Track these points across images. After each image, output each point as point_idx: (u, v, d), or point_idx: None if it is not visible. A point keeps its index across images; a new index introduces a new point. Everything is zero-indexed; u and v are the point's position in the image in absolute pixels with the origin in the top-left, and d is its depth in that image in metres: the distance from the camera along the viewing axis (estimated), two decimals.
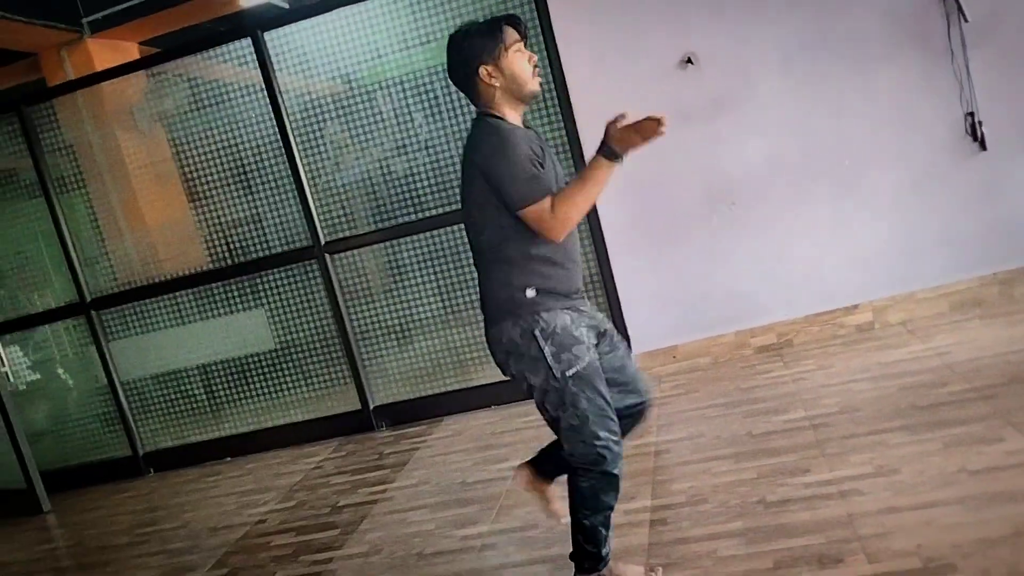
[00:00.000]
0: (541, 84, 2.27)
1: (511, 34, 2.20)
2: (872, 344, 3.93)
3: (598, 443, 2.20)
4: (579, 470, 2.26)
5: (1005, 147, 3.90)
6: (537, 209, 2.09)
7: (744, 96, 4.04)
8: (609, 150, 2.05)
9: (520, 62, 2.20)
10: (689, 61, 4.01)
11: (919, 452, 2.76)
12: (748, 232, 4.15)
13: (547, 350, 2.17)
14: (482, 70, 2.19)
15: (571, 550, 2.37)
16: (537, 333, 2.18)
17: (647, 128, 1.99)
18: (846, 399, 3.37)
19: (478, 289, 2.31)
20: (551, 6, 4.04)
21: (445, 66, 2.27)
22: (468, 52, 2.20)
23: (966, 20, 3.80)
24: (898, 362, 3.62)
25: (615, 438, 2.23)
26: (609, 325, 2.39)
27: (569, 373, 2.17)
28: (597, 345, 2.29)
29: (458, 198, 4.37)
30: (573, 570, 2.37)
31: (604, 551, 2.32)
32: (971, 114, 3.89)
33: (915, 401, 3.17)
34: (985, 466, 2.57)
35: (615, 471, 2.24)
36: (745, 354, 4.25)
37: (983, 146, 3.90)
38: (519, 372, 2.24)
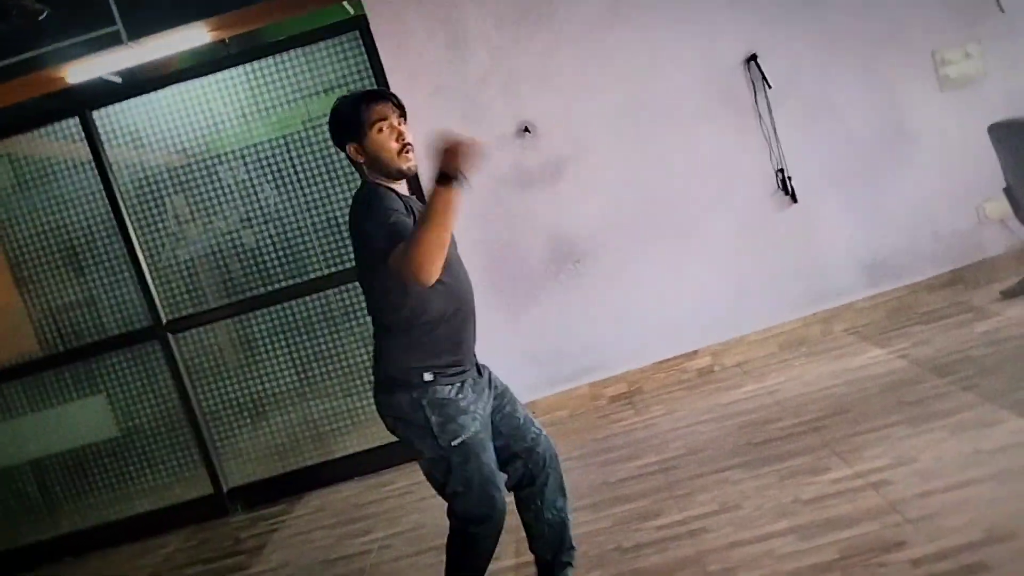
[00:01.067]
0: (410, 162, 2.23)
1: (376, 111, 2.19)
2: (713, 387, 4.17)
3: (483, 505, 2.27)
4: (466, 523, 2.30)
5: (813, 197, 4.29)
6: (396, 254, 2.04)
7: (579, 159, 4.26)
8: (440, 175, 1.98)
9: (385, 141, 2.19)
10: (526, 130, 4.20)
11: (757, 487, 2.95)
12: (594, 287, 4.34)
13: (433, 420, 2.21)
14: (348, 148, 2.24)
15: None
16: (424, 403, 2.21)
17: (464, 145, 1.97)
18: (691, 441, 3.55)
19: (372, 350, 2.32)
20: (389, 79, 4.14)
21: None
22: (334, 128, 2.26)
23: (769, 87, 4.19)
24: (736, 402, 3.85)
25: (499, 497, 2.30)
26: (499, 380, 2.44)
27: (454, 443, 2.22)
28: (498, 405, 2.38)
29: (303, 268, 4.38)
30: None
31: None
32: (781, 170, 4.26)
33: (751, 438, 3.38)
34: (816, 495, 2.77)
35: (496, 528, 2.32)
36: (599, 404, 4.39)
37: (794, 199, 4.27)
38: (406, 438, 2.29)
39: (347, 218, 2.28)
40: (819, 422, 3.34)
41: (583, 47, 4.21)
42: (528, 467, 2.43)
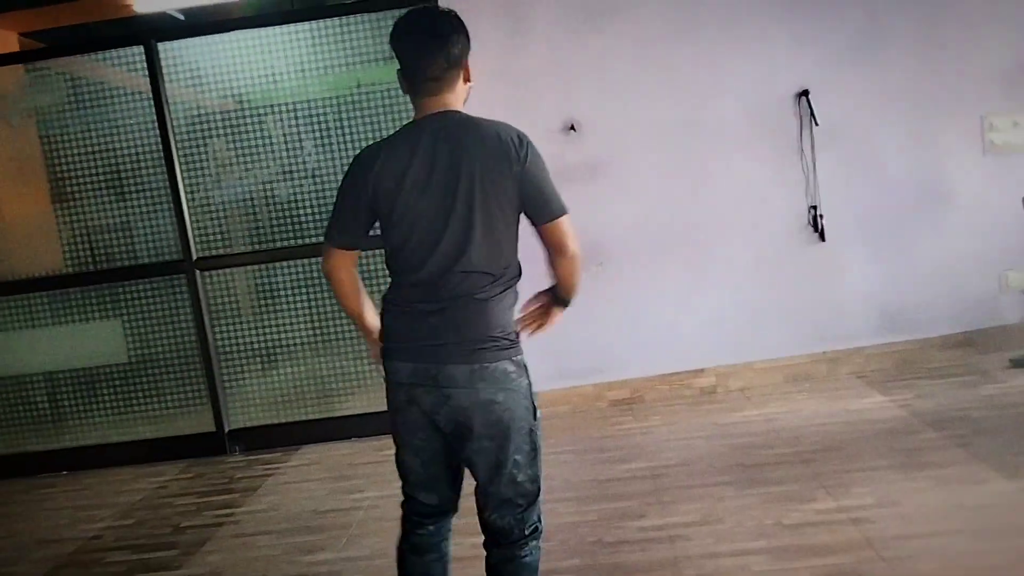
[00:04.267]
0: None
1: None
2: (713, 406, 4.24)
3: (541, 505, 2.07)
4: (533, 535, 2.05)
5: (841, 240, 4.34)
6: (569, 219, 1.98)
7: (618, 164, 4.34)
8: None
9: None
10: (572, 128, 4.28)
11: (742, 505, 3.02)
12: (613, 291, 4.41)
13: (529, 384, 2.00)
14: (467, 65, 2.00)
15: None
16: (524, 364, 1.99)
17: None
18: (684, 453, 3.63)
19: (462, 314, 1.95)
20: None
21: (446, 43, 1.93)
22: (468, 41, 1.98)
23: (816, 124, 4.24)
24: (733, 424, 3.93)
25: None
26: None
27: (540, 416, 2.04)
28: None
29: None
30: None
31: None
32: (814, 207, 4.33)
33: (743, 460, 3.46)
34: (797, 521, 2.85)
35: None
36: (600, 406, 4.48)
37: (822, 237, 4.33)
38: (505, 415, 1.94)
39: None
40: (811, 455, 3.41)
41: (641, 56, 4.29)
42: None
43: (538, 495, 2.05)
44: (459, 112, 1.97)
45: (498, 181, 1.91)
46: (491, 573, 2.09)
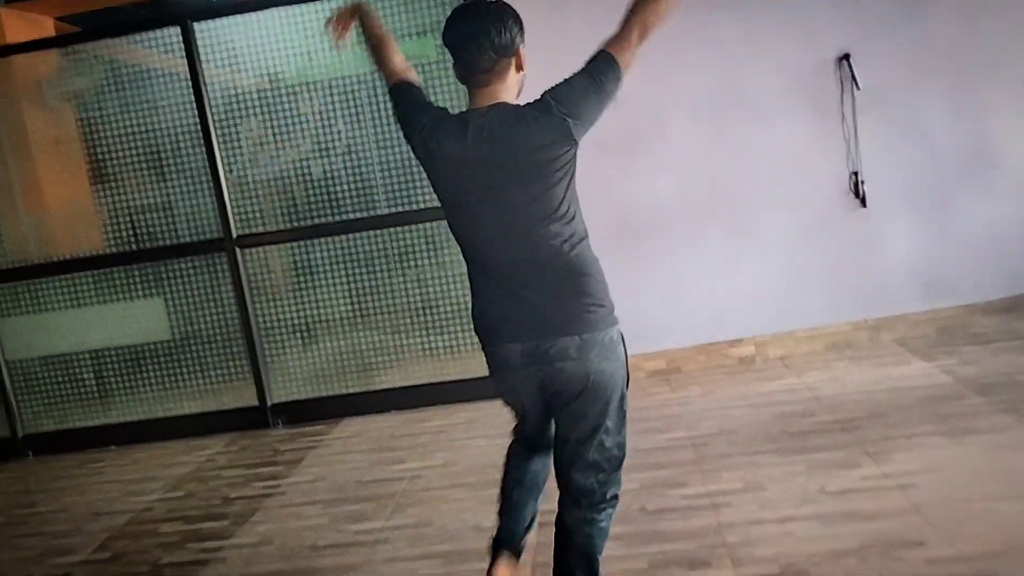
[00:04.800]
0: None
1: None
2: (752, 375, 4.22)
3: (623, 475, 2.12)
4: (611, 501, 2.11)
5: (883, 206, 4.28)
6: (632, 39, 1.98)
7: (656, 135, 4.30)
8: None
9: None
10: None
11: (785, 473, 3.02)
12: (651, 261, 4.40)
13: (625, 354, 2.03)
14: (522, 49, 1.97)
15: None
16: (622, 335, 2.03)
17: None
18: (724, 423, 3.62)
19: (562, 295, 1.98)
20: None
21: (494, 33, 1.90)
22: (521, 25, 1.96)
23: (858, 88, 4.17)
24: (773, 392, 3.91)
25: None
26: None
27: (629, 385, 2.07)
28: None
29: (371, 203, 4.50)
30: None
31: None
32: (855, 173, 4.26)
33: (785, 428, 3.45)
34: (842, 488, 2.84)
35: None
36: (637, 376, 4.45)
37: (863, 203, 4.27)
38: (608, 381, 1.98)
39: (508, 136, 1.91)
40: (854, 422, 3.39)
41: (679, 25, 4.13)
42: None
43: (622, 462, 2.09)
44: (505, 104, 1.95)
45: (547, 158, 1.90)
46: (566, 536, 2.12)
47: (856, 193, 4.27)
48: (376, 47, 2.22)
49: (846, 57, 4.16)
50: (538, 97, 1.94)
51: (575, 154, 1.95)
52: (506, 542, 2.23)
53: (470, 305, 2.12)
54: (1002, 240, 4.27)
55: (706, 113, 4.29)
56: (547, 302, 1.96)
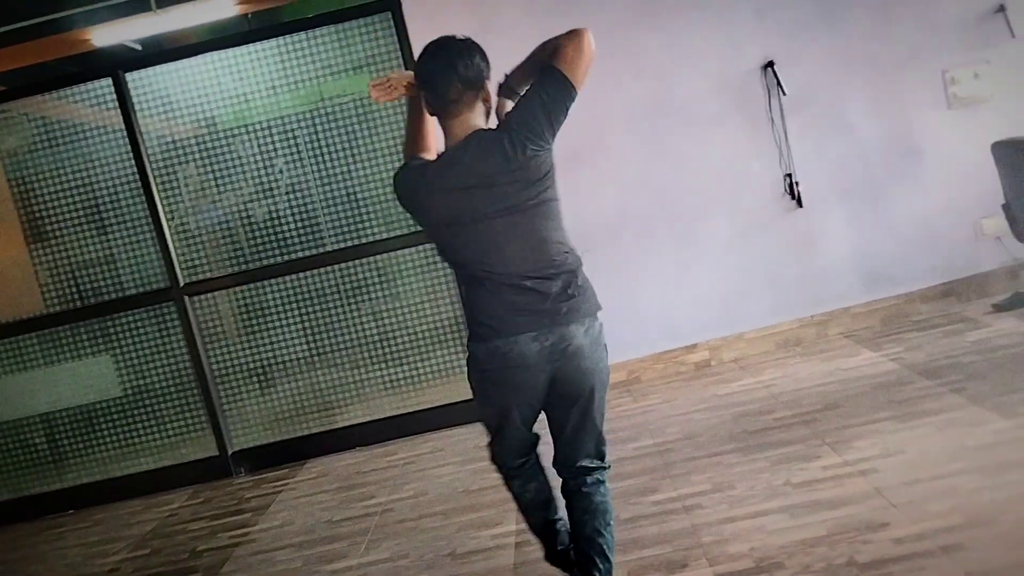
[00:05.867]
0: None
1: None
2: (709, 379, 4.31)
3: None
4: (609, 466, 2.38)
5: (818, 205, 4.43)
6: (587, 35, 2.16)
7: (597, 151, 4.39)
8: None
9: None
10: None
11: (750, 470, 3.09)
12: (602, 276, 4.33)
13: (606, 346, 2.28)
14: (488, 87, 2.17)
15: (604, 573, 2.30)
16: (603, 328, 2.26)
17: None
18: (688, 427, 3.69)
19: (572, 290, 2.19)
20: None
21: (459, 67, 2.09)
22: (485, 65, 2.15)
23: (784, 93, 4.32)
24: (732, 394, 3.99)
25: None
26: None
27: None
28: None
29: (319, 240, 4.49)
30: None
31: None
32: (789, 175, 4.41)
33: (746, 427, 3.52)
34: (805, 479, 2.92)
35: None
36: None
37: (800, 203, 4.41)
38: (601, 368, 2.24)
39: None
40: (811, 415, 3.48)
41: (608, 42, 4.24)
42: None
43: (602, 430, 2.34)
44: (482, 130, 2.14)
45: (529, 165, 2.10)
46: (584, 500, 2.31)
47: (792, 194, 4.41)
48: (420, 123, 2.31)
49: (770, 64, 4.31)
50: (504, 124, 2.15)
51: (552, 160, 2.15)
52: (557, 555, 2.47)
53: (464, 312, 2.32)
54: (933, 228, 4.44)
55: (643, 126, 4.40)
56: (561, 299, 2.15)
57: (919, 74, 4.37)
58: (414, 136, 2.33)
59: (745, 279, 4.49)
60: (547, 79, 2.12)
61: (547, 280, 2.15)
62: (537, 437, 2.38)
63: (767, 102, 4.38)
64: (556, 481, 2.42)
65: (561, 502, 2.41)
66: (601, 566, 2.27)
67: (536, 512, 2.46)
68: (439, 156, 2.19)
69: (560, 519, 2.46)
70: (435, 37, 2.18)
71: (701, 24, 4.34)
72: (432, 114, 2.19)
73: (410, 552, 3.08)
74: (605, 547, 2.28)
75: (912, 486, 2.68)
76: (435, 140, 2.31)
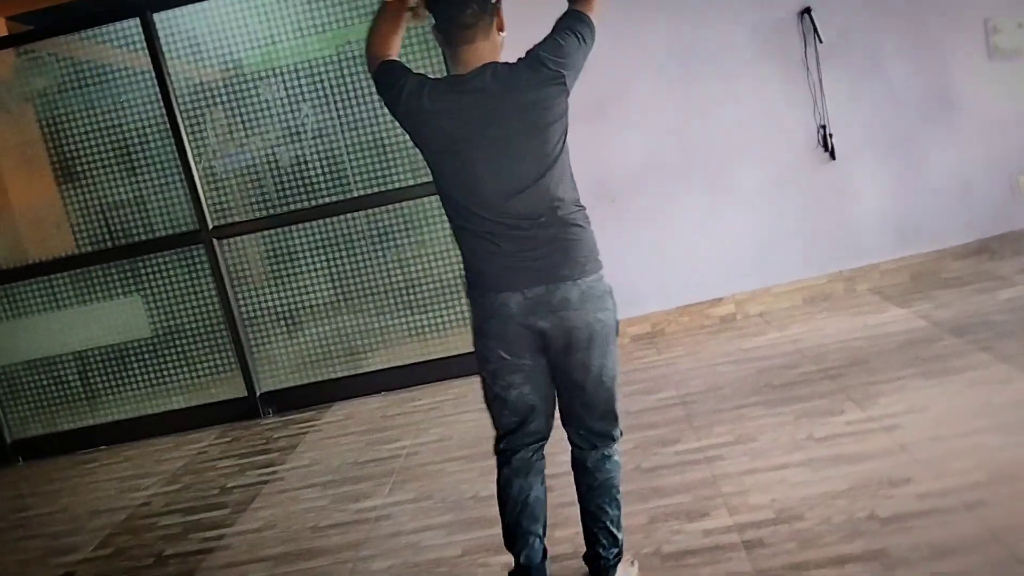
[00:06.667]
0: None
1: None
2: (734, 333, 4.30)
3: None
4: (618, 439, 2.24)
5: (852, 158, 4.35)
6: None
7: (624, 98, 4.32)
8: None
9: None
10: None
11: (773, 423, 3.10)
12: (627, 227, 4.44)
13: (615, 306, 2.13)
14: (500, 10, 2.04)
15: (610, 549, 2.24)
16: (612, 288, 2.12)
17: None
18: (711, 380, 3.69)
19: (560, 243, 2.04)
20: None
21: None
22: None
23: (821, 41, 4.22)
24: (757, 348, 3.99)
25: None
26: None
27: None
28: None
29: (347, 186, 4.49)
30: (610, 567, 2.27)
31: None
32: (823, 126, 4.32)
33: (771, 381, 3.52)
34: (828, 434, 2.92)
35: None
36: (622, 342, 4.49)
37: (832, 156, 4.34)
38: (604, 335, 2.09)
39: (497, 90, 1.97)
40: (837, 370, 3.47)
41: None
42: None
43: (616, 393, 2.19)
44: (497, 62, 2.00)
45: (544, 107, 1.98)
46: (589, 476, 2.21)
47: (825, 146, 4.34)
48: (397, 23, 2.13)
49: (807, 10, 4.20)
50: (523, 56, 2.00)
51: (567, 107, 2.02)
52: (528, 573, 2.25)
53: (463, 269, 2.16)
54: (969, 184, 4.36)
55: (672, 72, 4.32)
56: (546, 251, 2.03)
57: (959, 22, 4.24)
58: (386, 32, 2.10)
59: (774, 232, 4.44)
60: (580, 24, 2.04)
61: (534, 230, 2.02)
62: (541, 429, 2.21)
63: (803, 50, 4.28)
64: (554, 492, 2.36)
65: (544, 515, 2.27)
66: (604, 541, 2.23)
67: (521, 519, 2.21)
68: (445, 78, 2.04)
69: (544, 544, 2.26)
70: None
71: None
72: (442, 45, 2.04)
73: (434, 493, 3.14)
74: (609, 523, 2.22)
75: (936, 442, 2.68)
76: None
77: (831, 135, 4.31)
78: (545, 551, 2.27)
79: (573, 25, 2.04)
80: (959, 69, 4.28)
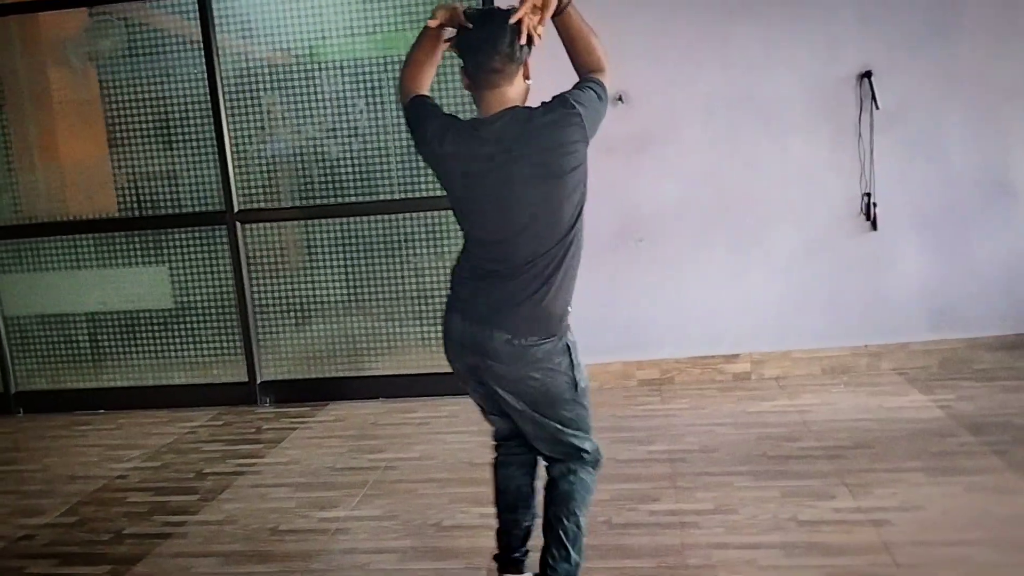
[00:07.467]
0: None
1: None
2: (744, 393, 4.13)
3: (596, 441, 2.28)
4: (591, 465, 2.25)
5: (894, 230, 4.16)
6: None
7: (667, 138, 4.21)
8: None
9: None
10: (620, 99, 4.16)
11: (758, 497, 2.94)
12: (651, 269, 4.31)
13: (576, 360, 2.13)
14: (529, 62, 2.05)
15: (559, 563, 2.22)
16: (569, 344, 2.13)
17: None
18: (707, 439, 3.54)
19: (530, 299, 2.04)
20: None
21: (504, 36, 1.96)
22: (530, 43, 2.02)
23: (877, 107, 4.05)
24: (762, 413, 3.82)
25: None
26: None
27: (585, 384, 2.18)
28: None
29: (376, 188, 4.46)
30: None
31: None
32: (868, 194, 4.15)
33: (767, 450, 3.36)
34: (813, 518, 2.76)
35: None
36: (628, 384, 4.40)
37: (874, 226, 4.15)
38: (543, 388, 2.09)
39: (539, 134, 1.98)
40: (839, 451, 3.30)
41: (697, 28, 4.13)
42: None
43: (587, 433, 2.22)
44: (518, 107, 2.03)
45: (562, 152, 1.98)
46: (552, 486, 2.26)
47: (867, 215, 4.16)
48: (433, 54, 2.20)
49: (868, 74, 4.04)
50: (549, 100, 2.02)
51: (585, 164, 2.03)
52: (504, 559, 2.40)
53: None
54: (1015, 273, 4.13)
55: (718, 121, 4.19)
56: (505, 301, 2.05)
57: None
58: (421, 60, 2.17)
59: (802, 295, 4.27)
60: (595, 84, 2.06)
61: (512, 281, 2.04)
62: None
63: (858, 114, 4.11)
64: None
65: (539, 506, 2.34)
66: (556, 552, 2.20)
67: (503, 507, 2.40)
68: (469, 121, 2.07)
69: (527, 527, 2.39)
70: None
71: (800, 22, 4.09)
72: (468, 88, 2.07)
73: (399, 514, 3.06)
74: (563, 535, 2.20)
75: (922, 548, 2.50)
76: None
77: (875, 204, 4.13)
78: (524, 540, 2.38)
79: (589, 82, 2.07)
80: (1020, 153, 4.07)
